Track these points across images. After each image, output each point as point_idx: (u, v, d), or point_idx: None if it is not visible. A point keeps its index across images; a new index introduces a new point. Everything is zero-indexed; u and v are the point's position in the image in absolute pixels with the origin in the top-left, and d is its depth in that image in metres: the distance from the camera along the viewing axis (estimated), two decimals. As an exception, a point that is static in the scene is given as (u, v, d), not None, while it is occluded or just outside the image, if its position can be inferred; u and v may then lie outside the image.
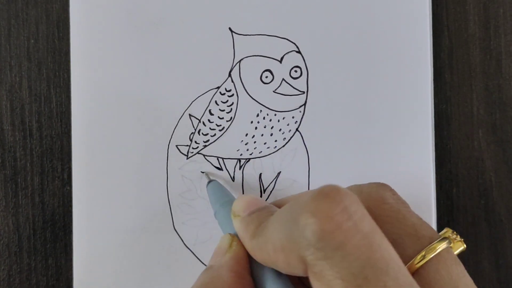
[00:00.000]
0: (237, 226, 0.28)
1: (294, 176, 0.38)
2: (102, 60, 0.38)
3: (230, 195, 0.34)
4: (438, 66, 0.39)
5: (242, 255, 0.27)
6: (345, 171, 0.37)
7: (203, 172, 0.38)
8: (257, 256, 0.26)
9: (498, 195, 0.39)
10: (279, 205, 0.29)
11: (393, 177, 0.37)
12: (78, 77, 0.37)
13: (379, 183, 0.27)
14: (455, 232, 0.26)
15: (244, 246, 0.27)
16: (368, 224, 0.22)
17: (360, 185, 0.28)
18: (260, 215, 0.27)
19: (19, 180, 0.39)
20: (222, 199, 0.33)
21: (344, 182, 0.37)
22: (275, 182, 0.38)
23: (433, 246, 0.24)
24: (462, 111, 0.39)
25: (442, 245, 0.24)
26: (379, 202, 0.26)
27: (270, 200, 0.38)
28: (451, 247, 0.25)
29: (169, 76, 0.38)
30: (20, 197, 0.39)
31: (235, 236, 0.28)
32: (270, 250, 0.24)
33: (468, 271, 0.39)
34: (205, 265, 0.37)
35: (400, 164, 0.37)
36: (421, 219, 0.26)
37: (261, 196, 0.38)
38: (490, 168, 0.39)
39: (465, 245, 0.26)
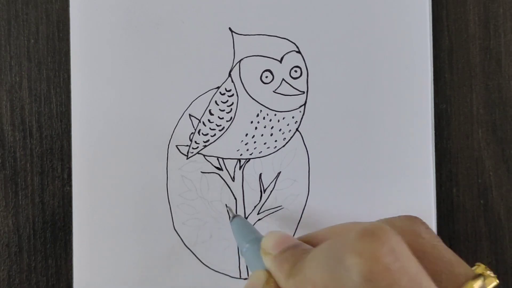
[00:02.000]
0: (270, 264, 0.28)
1: (294, 176, 0.38)
2: (102, 60, 0.37)
3: (257, 231, 0.33)
4: (438, 66, 0.39)
5: None
6: (345, 171, 0.37)
7: (226, 206, 0.37)
8: None
9: (497, 195, 0.39)
10: (309, 241, 0.29)
11: (393, 177, 0.37)
12: (78, 77, 0.37)
13: (411, 216, 0.27)
14: (487, 268, 0.26)
15: (279, 286, 0.27)
16: (415, 265, 0.22)
17: (391, 219, 0.27)
18: (295, 254, 0.27)
19: (19, 180, 0.39)
20: (249, 236, 0.32)
21: (344, 182, 0.37)
22: (275, 182, 0.38)
23: (469, 284, 0.24)
24: (462, 111, 0.39)
25: (478, 283, 0.24)
26: (414, 237, 0.25)
27: (270, 201, 0.38)
28: (485, 283, 0.25)
29: (169, 76, 0.38)
30: (20, 197, 0.39)
31: (270, 273, 0.28)
32: None
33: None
34: (205, 265, 0.38)
35: (400, 164, 0.37)
36: (455, 254, 0.26)
37: (261, 197, 0.38)
38: (489, 167, 0.39)
39: (497, 281, 0.26)
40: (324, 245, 0.25)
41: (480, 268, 0.26)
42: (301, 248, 0.27)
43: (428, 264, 0.24)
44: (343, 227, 0.29)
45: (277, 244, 0.28)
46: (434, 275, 0.24)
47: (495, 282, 0.26)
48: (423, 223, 0.27)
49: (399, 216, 0.27)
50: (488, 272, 0.26)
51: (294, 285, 0.25)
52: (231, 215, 0.36)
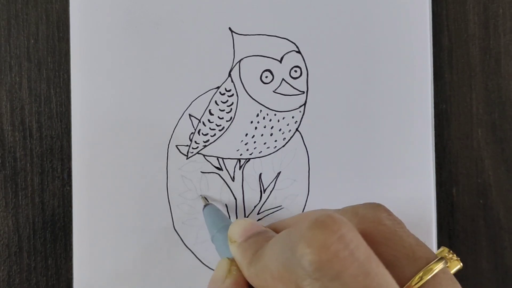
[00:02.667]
0: (234, 252, 0.28)
1: (294, 176, 0.38)
2: (102, 60, 0.37)
3: (227, 219, 0.34)
4: (438, 66, 0.39)
5: (242, 280, 0.27)
6: (345, 171, 0.38)
7: (201, 196, 0.38)
8: (255, 283, 0.26)
9: (497, 195, 0.39)
10: (276, 228, 0.29)
11: (393, 177, 0.37)
12: (78, 77, 0.37)
13: (374, 203, 0.27)
14: (451, 251, 0.26)
15: (243, 274, 0.27)
16: (364, 251, 0.22)
17: (355, 206, 0.27)
18: (257, 241, 0.27)
19: (19, 180, 0.39)
20: (219, 224, 0.33)
21: (344, 181, 0.37)
22: (275, 182, 0.38)
23: (430, 267, 0.24)
24: (462, 111, 0.39)
25: (439, 266, 0.24)
26: (375, 224, 0.26)
27: (270, 201, 0.38)
28: (448, 266, 0.25)
29: (169, 76, 0.38)
30: (20, 197, 0.39)
31: (233, 261, 0.28)
32: (268, 278, 0.24)
33: (467, 271, 0.40)
34: (205, 265, 0.38)
35: (400, 164, 0.37)
36: (417, 239, 0.26)
37: (261, 197, 0.38)
38: (489, 167, 0.39)
39: (461, 264, 0.26)
40: (282, 233, 0.25)
41: (443, 251, 0.26)
42: (265, 235, 0.28)
43: (388, 250, 0.25)
44: (305, 216, 0.30)
45: (243, 231, 0.28)
46: (394, 261, 0.24)
47: (459, 265, 0.26)
48: (386, 210, 0.27)
49: (363, 204, 0.27)
50: (451, 255, 0.26)
51: (254, 273, 0.26)
52: (203, 204, 0.36)
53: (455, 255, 0.26)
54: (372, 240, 0.24)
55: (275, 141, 0.38)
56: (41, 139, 0.39)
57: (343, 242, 0.22)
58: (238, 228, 0.29)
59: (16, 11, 0.39)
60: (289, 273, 0.23)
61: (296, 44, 0.38)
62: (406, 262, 0.24)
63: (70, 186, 0.38)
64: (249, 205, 0.38)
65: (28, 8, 0.39)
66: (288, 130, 0.38)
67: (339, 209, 0.28)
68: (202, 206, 0.37)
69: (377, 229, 0.25)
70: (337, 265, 0.21)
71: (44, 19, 0.39)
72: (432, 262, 0.24)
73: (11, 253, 0.39)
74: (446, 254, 0.26)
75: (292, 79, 0.38)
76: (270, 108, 0.38)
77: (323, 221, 0.22)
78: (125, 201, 0.37)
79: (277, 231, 0.28)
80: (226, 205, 0.38)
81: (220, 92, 0.38)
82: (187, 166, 0.38)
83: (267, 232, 0.28)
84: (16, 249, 0.39)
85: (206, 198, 0.37)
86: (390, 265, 0.23)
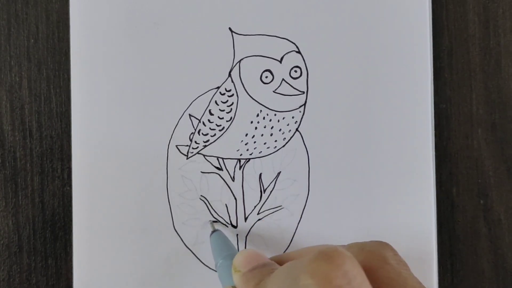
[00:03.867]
0: (237, 281, 0.29)
1: (294, 176, 0.38)
2: (102, 60, 0.37)
3: (233, 248, 0.34)
4: (438, 66, 0.39)
5: None
6: (345, 171, 0.37)
7: (210, 221, 0.38)
8: None
9: (497, 195, 0.39)
10: (280, 261, 0.29)
11: (393, 177, 0.37)
12: (78, 77, 0.37)
13: (381, 242, 0.27)
14: None
15: None
16: None
17: (361, 243, 0.28)
18: (261, 272, 0.27)
19: (19, 180, 0.39)
20: (225, 251, 0.33)
21: (344, 182, 0.37)
22: (275, 182, 0.38)
23: None
24: (462, 111, 0.39)
25: None
26: (381, 263, 0.26)
27: (270, 201, 0.38)
28: None
29: (169, 76, 0.38)
30: (20, 197, 0.39)
31: None
32: None
33: (468, 271, 0.40)
34: (205, 265, 0.38)
35: (400, 164, 0.37)
36: (420, 283, 0.26)
37: (261, 197, 0.38)
38: (489, 167, 0.39)
39: None
40: (286, 265, 0.25)
41: None
42: (269, 267, 0.28)
43: None
44: (310, 249, 0.30)
45: (247, 261, 0.29)
46: None
47: None
48: (392, 250, 0.27)
49: (370, 241, 0.28)
50: None
51: None
52: (211, 229, 0.36)
53: None
54: (376, 278, 0.24)
55: (275, 141, 0.38)
56: (41, 139, 0.39)
57: (346, 278, 0.22)
58: (243, 258, 0.29)
59: (16, 11, 0.39)
60: None
61: (296, 44, 0.38)
62: None
63: (70, 186, 0.38)
64: (249, 205, 0.38)
65: (28, 8, 0.39)
66: (288, 130, 0.38)
67: (345, 245, 0.28)
68: (210, 232, 0.37)
69: (382, 267, 0.25)
70: None
71: (44, 19, 0.39)
72: None
73: (11, 253, 0.39)
74: None
75: (292, 79, 0.38)
76: (270, 108, 0.38)
77: (328, 254, 0.22)
78: (125, 201, 0.37)
79: (281, 263, 0.29)
80: (226, 205, 0.38)
81: (220, 92, 0.38)
82: (187, 166, 0.38)
83: (271, 265, 0.29)
84: (16, 249, 0.39)
85: (214, 224, 0.37)
86: None
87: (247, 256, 0.29)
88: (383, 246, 0.27)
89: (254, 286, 0.27)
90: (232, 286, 0.29)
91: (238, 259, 0.29)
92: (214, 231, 0.36)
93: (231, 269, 0.30)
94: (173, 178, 0.38)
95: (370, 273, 0.24)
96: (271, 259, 0.30)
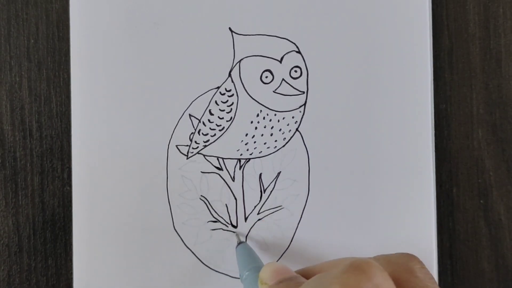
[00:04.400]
0: None
1: (294, 176, 0.38)
2: (102, 60, 0.37)
3: (259, 260, 0.34)
4: (438, 66, 0.39)
5: None
6: (345, 171, 0.37)
7: (235, 233, 0.38)
8: None
9: (497, 195, 0.39)
10: (306, 274, 0.29)
11: (393, 176, 0.37)
12: (78, 77, 0.37)
13: (408, 254, 0.27)
14: None
15: None
16: None
17: (388, 256, 0.28)
18: (288, 285, 0.27)
19: (19, 180, 0.39)
20: (251, 264, 0.33)
21: (344, 182, 0.37)
22: (275, 182, 0.38)
23: None
24: (462, 111, 0.39)
25: None
26: (409, 275, 0.26)
27: (270, 201, 0.38)
28: None
29: (169, 76, 0.38)
30: (20, 197, 0.39)
31: None
32: None
33: (468, 271, 0.39)
34: (205, 265, 0.38)
35: (400, 164, 0.37)
36: None
37: (261, 197, 0.38)
38: (489, 167, 0.39)
39: None
40: (315, 277, 0.25)
41: None
42: (296, 280, 0.28)
43: None
44: (337, 262, 0.30)
45: (274, 275, 0.29)
46: None
47: None
48: (420, 262, 0.27)
49: (397, 253, 0.28)
50: None
51: None
52: (237, 241, 0.36)
53: None
54: None
55: (275, 141, 0.38)
56: (41, 139, 0.39)
57: None
58: (270, 270, 0.29)
59: (16, 11, 0.39)
60: None
61: (296, 44, 0.38)
62: None
63: (70, 186, 0.38)
64: (249, 205, 0.38)
65: (28, 8, 0.39)
66: (288, 130, 0.38)
67: (371, 257, 0.28)
68: (236, 244, 0.37)
69: (409, 280, 0.26)
70: None
71: (44, 19, 0.39)
72: None
73: (11, 253, 0.39)
74: None
75: (292, 79, 0.38)
76: (270, 108, 0.38)
77: (358, 266, 0.22)
78: (125, 201, 0.37)
79: (307, 277, 0.29)
80: (226, 205, 0.38)
81: (220, 92, 0.38)
82: (187, 166, 0.38)
83: (298, 278, 0.28)
84: (16, 249, 0.39)
85: (239, 236, 0.37)
86: None
87: (274, 269, 0.29)
88: (410, 258, 0.27)
89: None
90: None
91: (265, 272, 0.29)
92: (240, 242, 0.37)
93: (257, 282, 0.30)
94: (173, 178, 0.38)
95: (398, 285, 0.24)
96: (297, 272, 0.30)
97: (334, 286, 0.22)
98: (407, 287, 0.25)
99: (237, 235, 0.38)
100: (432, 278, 0.26)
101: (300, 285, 0.26)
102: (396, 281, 0.24)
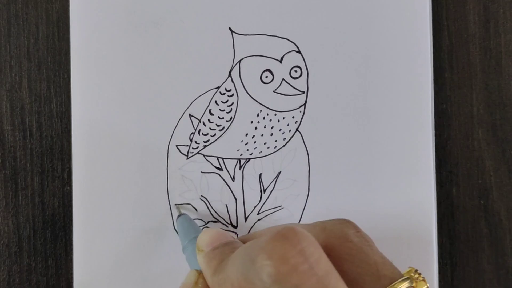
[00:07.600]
0: (201, 261, 0.28)
1: (294, 176, 0.38)
2: (102, 60, 0.37)
3: (200, 230, 0.33)
4: (438, 66, 0.39)
5: None
6: (345, 171, 0.37)
7: (175, 205, 0.37)
8: None
9: (498, 195, 0.39)
10: (245, 240, 0.29)
11: (393, 176, 0.37)
12: (78, 77, 0.37)
13: (343, 219, 0.27)
14: (418, 272, 0.26)
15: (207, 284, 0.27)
16: (324, 266, 0.22)
17: (324, 222, 0.28)
18: (223, 251, 0.27)
19: (19, 180, 0.39)
20: (191, 234, 0.33)
21: (344, 181, 0.37)
22: (275, 182, 0.38)
23: (394, 286, 0.24)
24: (462, 111, 0.39)
25: (404, 285, 0.24)
26: (342, 240, 0.26)
27: (270, 201, 0.38)
28: (413, 286, 0.25)
29: (169, 76, 0.38)
30: (20, 197, 0.39)
31: (201, 273, 0.28)
32: None
33: (468, 271, 0.39)
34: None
35: (400, 164, 0.37)
36: (384, 257, 0.26)
37: (261, 197, 0.38)
38: (490, 168, 0.39)
39: (428, 285, 0.26)
40: (244, 245, 0.25)
41: (409, 271, 0.26)
42: (232, 246, 0.28)
43: (352, 267, 0.25)
44: (271, 229, 0.30)
45: (210, 241, 0.29)
46: (357, 278, 0.24)
47: (425, 286, 0.26)
48: (355, 227, 0.27)
49: (332, 219, 0.28)
50: (417, 276, 0.26)
51: (217, 283, 0.26)
52: (177, 214, 0.36)
53: (421, 275, 0.26)
54: (337, 256, 0.24)
55: (275, 141, 0.38)
56: (41, 139, 0.39)
57: (303, 256, 0.22)
58: (206, 237, 0.29)
59: (16, 11, 0.39)
60: (249, 284, 0.23)
61: (296, 44, 0.38)
62: (369, 280, 0.24)
63: (70, 186, 0.38)
64: (249, 205, 0.38)
65: (28, 8, 0.39)
66: (288, 130, 0.38)
67: (308, 224, 0.28)
68: (176, 216, 0.37)
69: (343, 245, 0.25)
70: (295, 278, 0.21)
71: (44, 19, 0.39)
72: (397, 281, 0.24)
73: (11, 253, 0.39)
74: (412, 274, 0.26)
75: (292, 79, 0.38)
76: (270, 108, 0.38)
77: (284, 234, 0.22)
78: (125, 201, 0.37)
79: (245, 242, 0.28)
80: (226, 205, 0.38)
81: (220, 92, 0.38)
82: (187, 166, 0.38)
83: (234, 243, 0.28)
84: (16, 249, 0.39)
85: (179, 208, 0.37)
86: (353, 283, 0.23)
87: (211, 235, 0.29)
88: (344, 224, 0.27)
89: (216, 266, 0.27)
90: (198, 270, 0.29)
91: (201, 239, 0.29)
92: (180, 215, 0.36)
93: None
94: (173, 178, 0.38)
95: (332, 251, 0.24)
96: (240, 238, 0.30)
97: (261, 256, 0.22)
98: (341, 252, 0.25)
99: (177, 207, 0.37)
100: (369, 240, 0.26)
101: (235, 250, 0.26)
102: (329, 247, 0.24)
